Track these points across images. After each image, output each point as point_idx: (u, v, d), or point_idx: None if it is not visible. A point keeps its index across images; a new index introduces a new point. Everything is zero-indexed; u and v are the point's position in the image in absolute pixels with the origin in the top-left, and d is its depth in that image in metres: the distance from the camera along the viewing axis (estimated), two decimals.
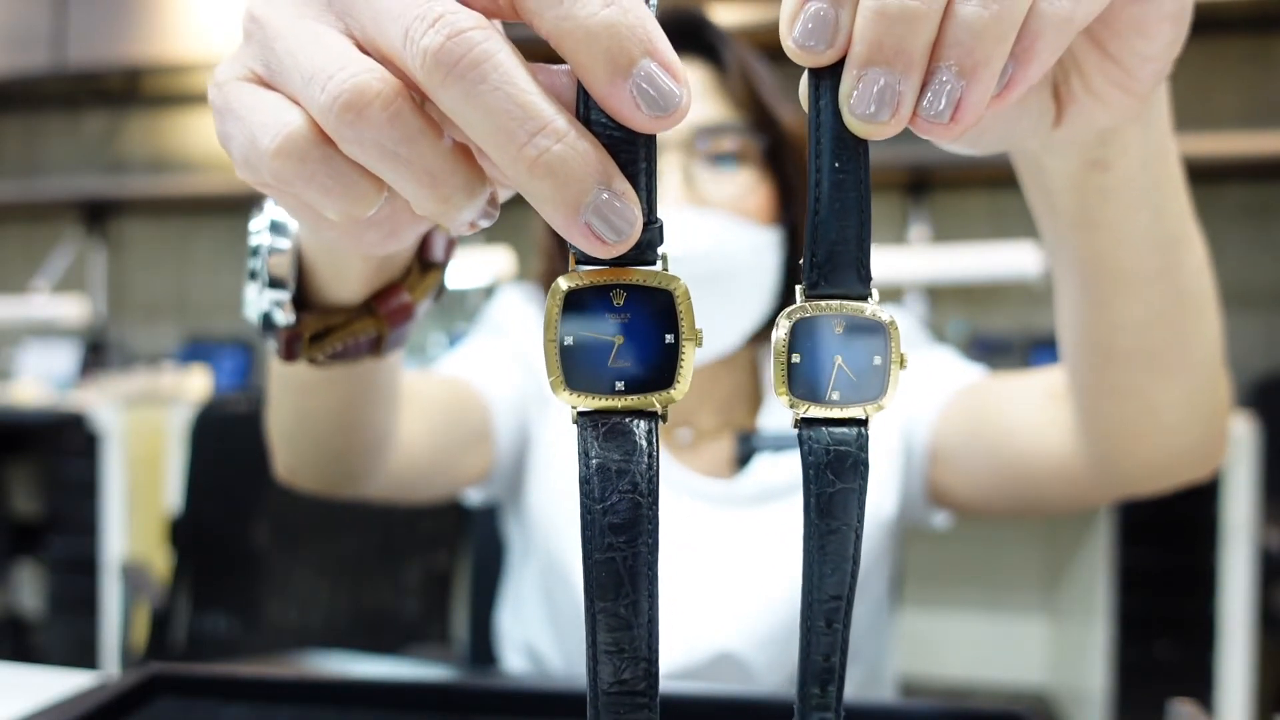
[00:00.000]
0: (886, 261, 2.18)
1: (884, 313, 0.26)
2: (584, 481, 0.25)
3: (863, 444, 0.26)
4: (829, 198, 0.25)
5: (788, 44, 0.25)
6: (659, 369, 0.25)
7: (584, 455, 0.25)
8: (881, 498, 0.73)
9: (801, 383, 0.26)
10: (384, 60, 0.25)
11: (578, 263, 0.25)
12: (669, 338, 0.25)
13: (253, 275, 0.43)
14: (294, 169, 0.25)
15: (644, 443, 0.25)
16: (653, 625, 0.25)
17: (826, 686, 0.26)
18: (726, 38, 0.74)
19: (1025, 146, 0.39)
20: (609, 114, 0.24)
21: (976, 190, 2.43)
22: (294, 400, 0.57)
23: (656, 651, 0.25)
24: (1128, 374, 0.50)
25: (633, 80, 0.23)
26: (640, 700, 0.25)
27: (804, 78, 0.26)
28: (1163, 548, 1.73)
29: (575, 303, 0.25)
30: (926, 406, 0.73)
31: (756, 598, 0.70)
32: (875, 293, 0.26)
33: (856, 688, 0.76)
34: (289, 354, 0.43)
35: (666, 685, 0.47)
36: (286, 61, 0.26)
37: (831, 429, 0.26)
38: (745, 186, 0.71)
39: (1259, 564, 1.70)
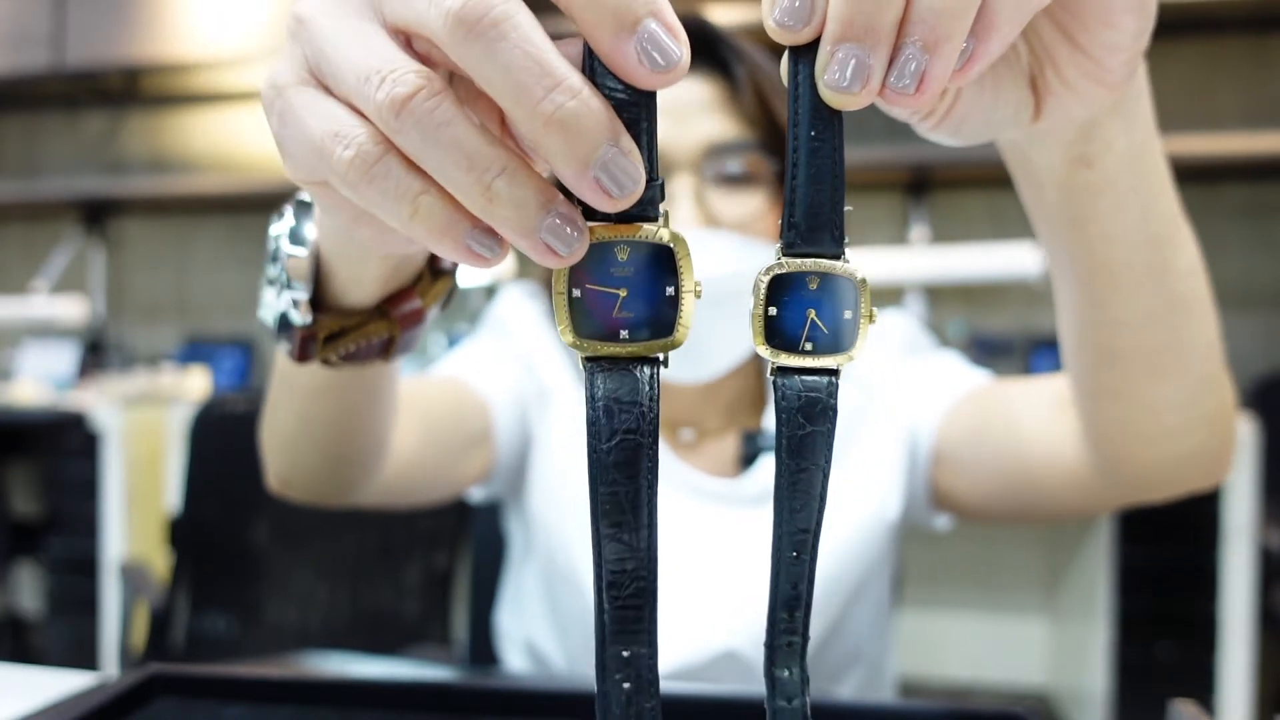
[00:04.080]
0: (886, 261, 2.18)
1: (856, 270, 0.28)
2: (590, 423, 0.27)
3: (832, 391, 0.28)
4: (805, 164, 0.27)
5: (769, 23, 0.27)
6: (661, 318, 0.27)
7: (591, 398, 0.27)
8: (886, 500, 0.73)
9: (777, 334, 0.28)
10: (412, 34, 0.27)
11: (585, 218, 0.27)
12: (670, 290, 0.27)
13: (271, 280, 0.44)
14: (363, 177, 0.27)
15: (646, 386, 0.27)
16: (651, 551, 0.27)
17: (794, 612, 0.29)
18: (740, 50, 0.72)
19: (1006, 136, 0.41)
20: (613, 70, 0.26)
21: (976, 190, 2.43)
22: (298, 406, 0.58)
23: (655, 573, 0.27)
24: (1125, 375, 0.50)
25: (637, 38, 0.25)
26: (640, 614, 0.27)
27: (785, 55, 0.28)
28: (1163, 548, 1.73)
29: (583, 257, 0.27)
30: (931, 409, 0.72)
31: (760, 597, 0.69)
32: (848, 253, 0.28)
33: (858, 688, 0.76)
34: (303, 354, 0.45)
35: (668, 685, 0.47)
36: (339, 62, 0.27)
37: (804, 377, 0.28)
38: (758, 207, 0.69)
39: (1259, 564, 1.70)
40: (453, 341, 2.38)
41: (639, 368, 0.27)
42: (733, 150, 0.69)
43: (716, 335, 0.67)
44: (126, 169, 3.01)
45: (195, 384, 2.45)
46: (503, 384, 0.76)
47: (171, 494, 2.10)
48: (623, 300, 0.27)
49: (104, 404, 2.16)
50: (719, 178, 0.69)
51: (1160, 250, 0.45)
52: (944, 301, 2.46)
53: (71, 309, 2.62)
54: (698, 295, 0.27)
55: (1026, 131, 0.38)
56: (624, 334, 0.27)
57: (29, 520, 2.48)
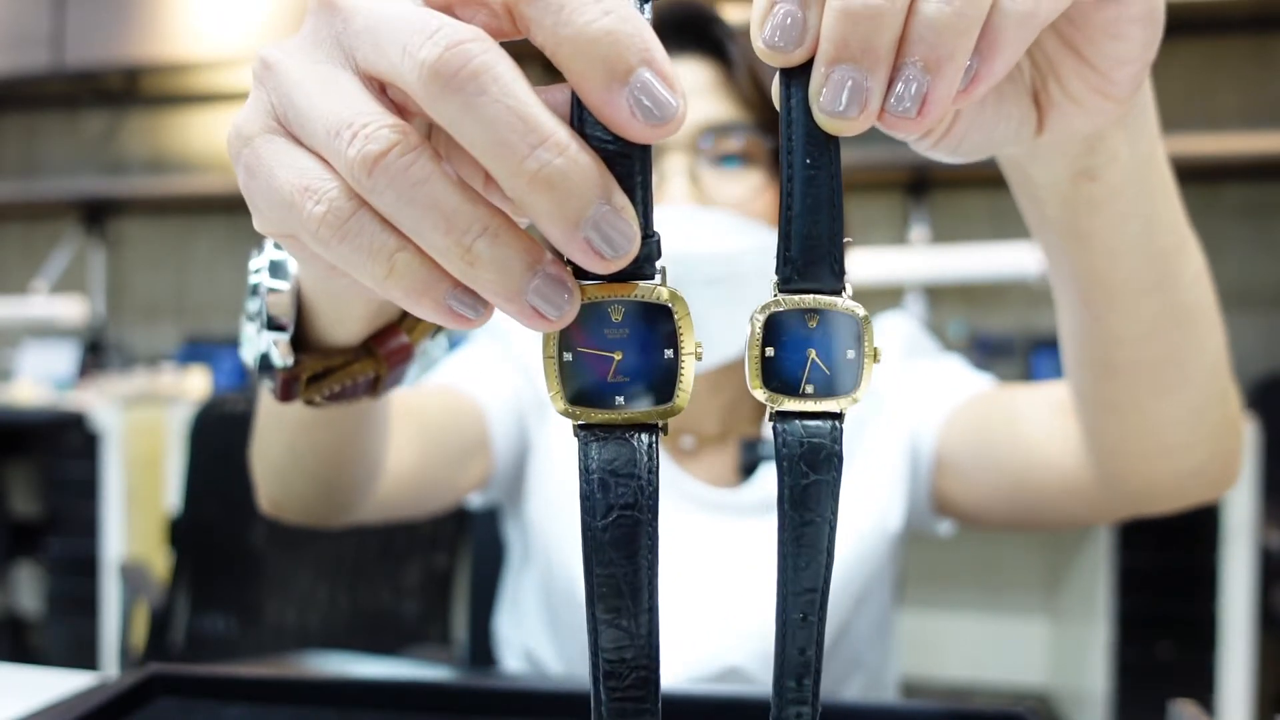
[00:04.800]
0: (886, 261, 2.18)
1: (857, 306, 0.26)
2: (585, 498, 0.25)
3: (836, 437, 0.26)
4: (801, 194, 0.25)
5: (758, 45, 0.25)
6: (658, 383, 0.25)
7: (585, 471, 0.25)
8: (888, 511, 0.72)
9: (775, 376, 0.26)
10: (386, 82, 0.25)
11: (575, 277, 0.25)
12: (668, 353, 0.25)
13: (251, 316, 0.42)
14: (335, 234, 0.25)
15: (645, 456, 0.25)
16: (652, 639, 0.25)
17: (803, 680, 0.26)
18: (734, 33, 0.71)
19: (1008, 153, 0.39)
20: (605, 124, 0.23)
21: (976, 190, 2.43)
22: (287, 438, 0.56)
23: (657, 661, 0.25)
24: (1128, 389, 0.49)
25: (629, 89, 0.23)
26: (643, 706, 0.25)
27: (776, 77, 0.26)
28: (1163, 548, 1.73)
29: (575, 317, 0.25)
30: (933, 415, 0.72)
31: (763, 610, 0.68)
32: (849, 287, 0.26)
33: (859, 694, 0.76)
34: (286, 395, 0.42)
35: (669, 686, 0.47)
36: (308, 113, 0.25)
37: (805, 422, 0.26)
38: (753, 187, 0.68)
39: (1259, 564, 1.70)
40: (454, 344, 2.38)
41: (636, 436, 0.25)
42: (727, 131, 0.68)
43: (714, 319, 0.64)
44: (126, 169, 3.01)
45: (195, 384, 2.45)
46: (500, 390, 0.75)
47: (171, 494, 2.10)
48: (618, 364, 0.25)
49: (104, 404, 2.16)
50: (714, 159, 0.68)
51: (1165, 262, 0.44)
52: (944, 302, 2.46)
53: (71, 309, 2.61)
54: (698, 357, 0.25)
55: (1029, 146, 0.37)
56: (619, 400, 0.25)
57: (29, 520, 2.48)
